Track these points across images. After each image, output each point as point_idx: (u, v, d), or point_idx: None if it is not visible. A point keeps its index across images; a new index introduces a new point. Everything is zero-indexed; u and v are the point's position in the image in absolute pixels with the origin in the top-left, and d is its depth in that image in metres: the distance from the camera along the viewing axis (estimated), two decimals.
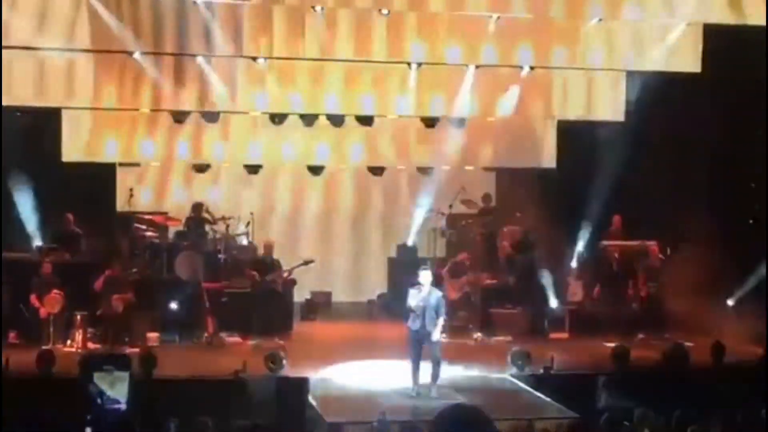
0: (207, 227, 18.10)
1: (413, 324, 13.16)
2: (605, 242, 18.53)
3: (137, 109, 18.65)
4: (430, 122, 19.52)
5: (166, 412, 10.07)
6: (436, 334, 13.17)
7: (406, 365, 13.40)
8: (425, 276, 13.29)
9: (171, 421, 9.54)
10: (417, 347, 13.28)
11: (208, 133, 19.25)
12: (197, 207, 18.38)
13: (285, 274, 17.15)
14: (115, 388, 6.47)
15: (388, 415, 11.37)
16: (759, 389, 12.32)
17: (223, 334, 16.32)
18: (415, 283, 13.34)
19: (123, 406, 6.45)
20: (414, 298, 13.13)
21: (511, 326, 17.08)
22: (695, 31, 18.19)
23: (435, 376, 13.24)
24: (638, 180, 19.03)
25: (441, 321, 13.27)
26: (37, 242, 17.83)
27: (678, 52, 18.33)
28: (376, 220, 20.78)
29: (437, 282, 14.70)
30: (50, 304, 15.72)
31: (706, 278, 17.39)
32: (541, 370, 14.18)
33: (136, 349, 14.64)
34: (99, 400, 6.49)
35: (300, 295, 18.59)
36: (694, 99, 18.49)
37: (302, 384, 13.29)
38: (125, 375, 6.61)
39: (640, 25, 18.28)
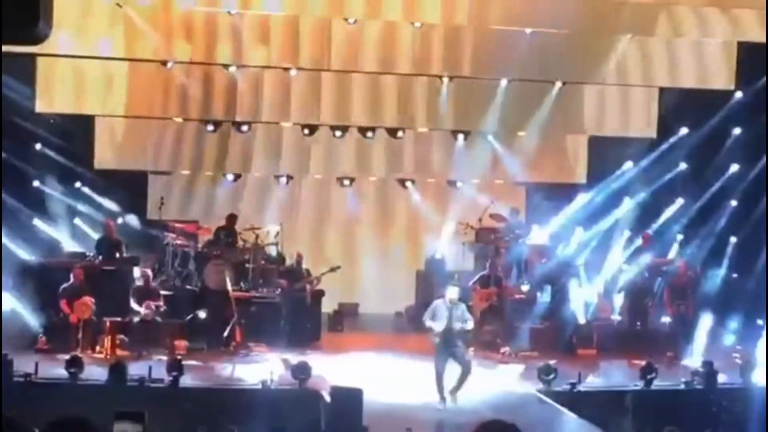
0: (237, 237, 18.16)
1: (442, 339, 13.18)
2: (634, 259, 18.44)
3: (170, 118, 18.80)
4: (460, 135, 19.52)
5: (194, 421, 10.13)
6: (457, 325, 13.20)
7: (432, 378, 13.39)
8: (452, 292, 13.34)
9: (199, 430, 9.58)
10: (443, 360, 13.28)
11: (238, 142, 19.36)
12: (231, 218, 18.45)
13: (314, 282, 17.21)
14: None
15: (413, 429, 11.34)
16: None
17: (250, 344, 16.36)
18: (440, 296, 13.34)
19: None
20: (435, 313, 13.19)
21: (538, 341, 17.00)
22: (729, 49, 18.12)
23: (458, 386, 13.24)
24: (669, 197, 18.95)
25: (470, 322, 13.37)
26: (68, 248, 17.98)
27: (711, 69, 18.27)
28: (405, 233, 20.75)
29: (465, 295, 14.72)
30: (80, 310, 15.76)
31: (735, 297, 17.30)
32: (568, 386, 14.11)
33: (164, 357, 14.73)
34: None
35: (328, 305, 18.59)
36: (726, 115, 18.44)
37: (329, 395, 13.26)
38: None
39: (673, 41, 18.23)
